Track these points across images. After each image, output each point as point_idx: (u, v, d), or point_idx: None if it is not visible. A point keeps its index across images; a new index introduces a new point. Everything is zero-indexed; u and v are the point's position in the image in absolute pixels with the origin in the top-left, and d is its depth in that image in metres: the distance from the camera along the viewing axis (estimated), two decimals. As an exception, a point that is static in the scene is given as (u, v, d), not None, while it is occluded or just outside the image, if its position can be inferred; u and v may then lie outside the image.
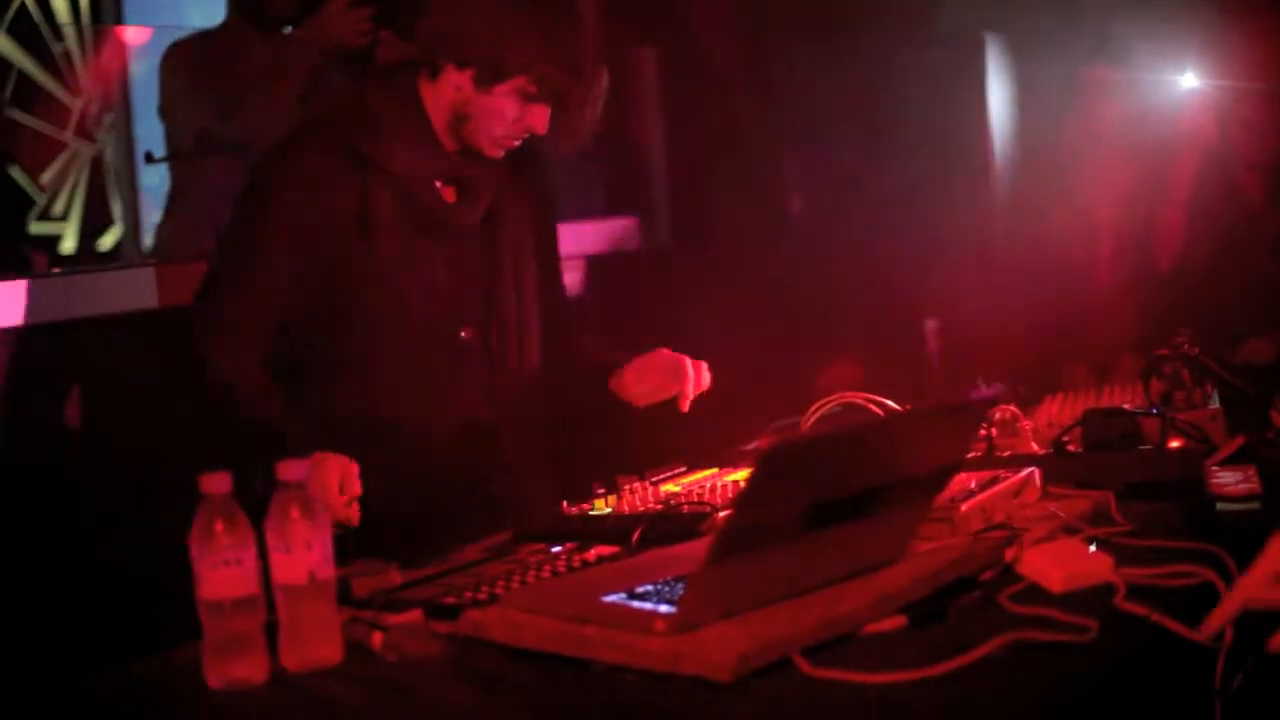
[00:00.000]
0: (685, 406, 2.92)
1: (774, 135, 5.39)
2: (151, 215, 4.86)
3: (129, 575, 3.59)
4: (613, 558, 2.34)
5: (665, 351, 2.95)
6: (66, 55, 4.58)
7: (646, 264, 5.61)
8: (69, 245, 4.55)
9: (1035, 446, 2.83)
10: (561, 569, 2.29)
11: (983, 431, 2.78)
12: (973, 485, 2.48)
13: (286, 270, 2.75)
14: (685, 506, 2.56)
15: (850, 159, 5.18)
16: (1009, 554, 2.19)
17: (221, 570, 1.93)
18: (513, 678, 1.91)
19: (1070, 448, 2.78)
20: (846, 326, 5.01)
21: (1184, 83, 4.69)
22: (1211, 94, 4.64)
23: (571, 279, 5.01)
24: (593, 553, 2.37)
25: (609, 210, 5.70)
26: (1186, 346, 2.97)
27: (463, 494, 2.87)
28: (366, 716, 1.85)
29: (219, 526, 1.93)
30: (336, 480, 2.55)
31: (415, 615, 2.10)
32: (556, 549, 2.41)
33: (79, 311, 3.92)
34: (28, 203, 4.44)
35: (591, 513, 2.63)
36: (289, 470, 1.99)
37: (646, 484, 2.76)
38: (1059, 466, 2.68)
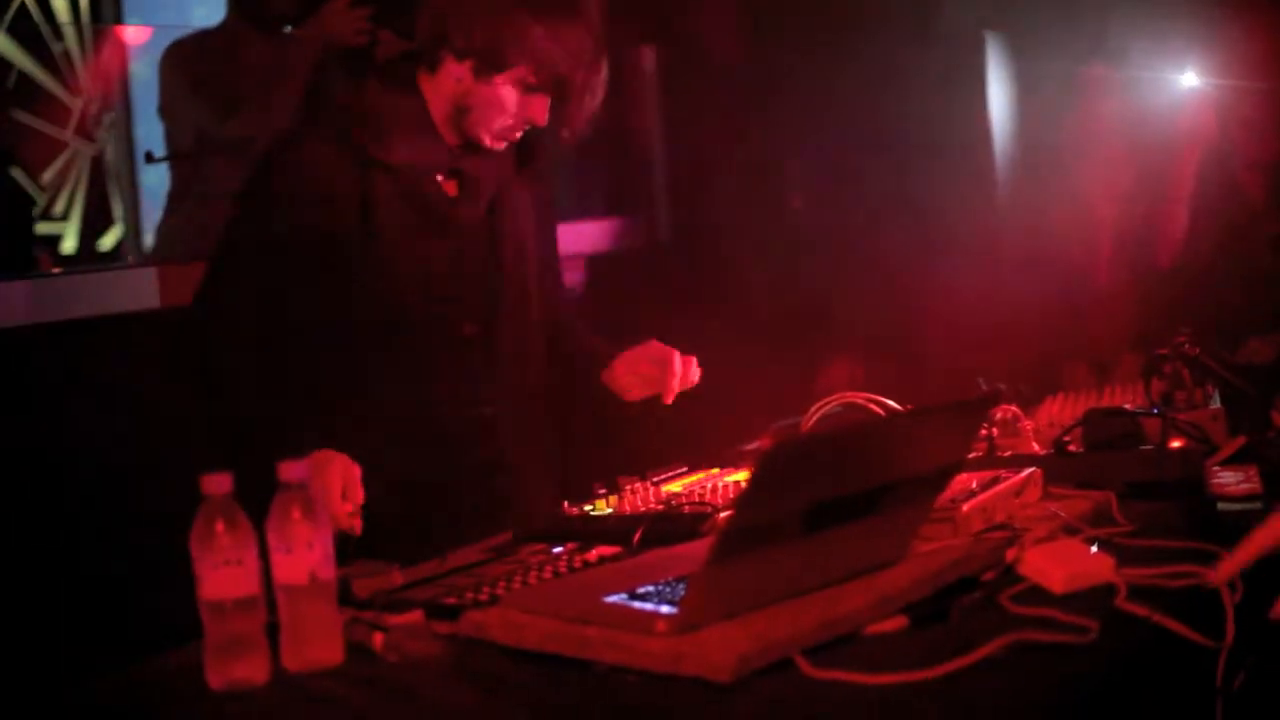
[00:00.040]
0: (669, 399, 2.92)
1: (774, 134, 5.39)
2: (152, 215, 4.85)
3: (129, 575, 3.59)
4: (614, 558, 2.33)
5: (655, 343, 2.95)
6: (66, 55, 4.58)
7: (647, 263, 5.61)
8: (69, 245, 4.55)
9: (1036, 446, 2.83)
10: (563, 569, 2.28)
11: (984, 431, 2.78)
12: (974, 485, 2.48)
13: (287, 267, 2.74)
14: (686, 507, 2.56)
15: (850, 158, 5.18)
16: (1010, 554, 2.19)
17: (222, 570, 1.93)
18: (514, 678, 1.91)
19: (1071, 448, 2.78)
20: (847, 326, 5.01)
21: (1184, 81, 4.69)
22: (1212, 92, 4.64)
23: (572, 278, 5.02)
24: (594, 553, 2.37)
25: (609, 209, 5.71)
26: (1187, 346, 2.97)
27: (465, 492, 2.87)
28: (367, 717, 1.85)
29: (220, 527, 1.93)
30: (339, 486, 2.54)
31: (416, 616, 2.10)
32: (558, 549, 2.41)
33: (80, 311, 3.92)
34: (31, 203, 4.44)
35: (592, 513, 2.62)
36: (290, 470, 1.99)
37: (648, 484, 2.76)
38: (1060, 466, 2.68)
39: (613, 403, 3.01)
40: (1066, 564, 2.14)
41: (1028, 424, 2.90)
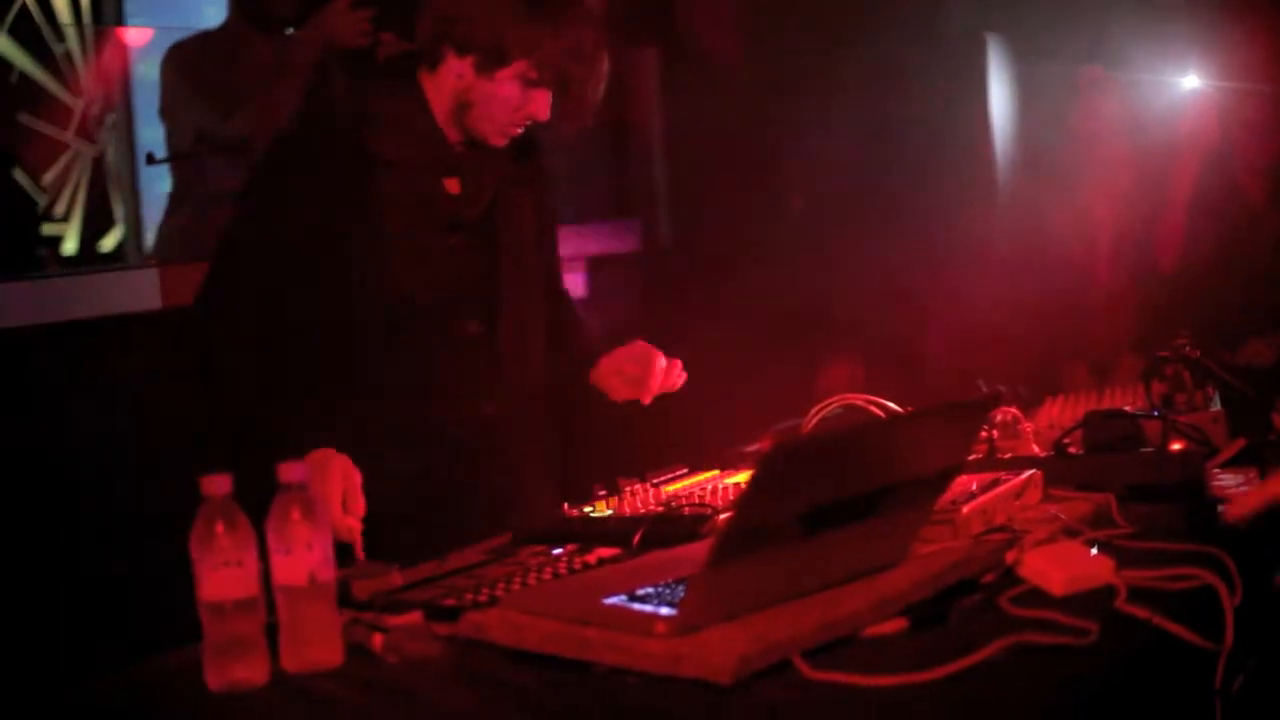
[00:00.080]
0: (646, 400, 2.92)
1: (775, 137, 5.39)
2: (152, 216, 4.85)
3: (129, 575, 3.59)
4: (614, 560, 2.33)
5: (640, 343, 2.95)
6: (68, 56, 4.57)
7: (647, 265, 5.61)
8: (70, 246, 4.55)
9: (1036, 448, 2.83)
10: (562, 571, 2.29)
11: (984, 433, 2.78)
12: (974, 487, 2.48)
13: (289, 267, 2.74)
14: (686, 508, 2.56)
15: (851, 159, 5.18)
16: (1010, 556, 2.19)
17: (222, 571, 1.93)
18: (513, 680, 1.91)
19: (1071, 450, 2.78)
20: (847, 327, 5.01)
21: (1185, 84, 4.70)
22: (1213, 95, 4.64)
23: (573, 280, 5.02)
24: (594, 554, 2.37)
25: (610, 212, 5.71)
26: (1188, 348, 2.97)
27: (466, 492, 2.87)
28: (367, 718, 1.85)
29: (219, 528, 1.93)
30: (339, 494, 2.53)
31: (416, 617, 2.09)
32: (557, 551, 2.41)
33: (82, 312, 3.92)
34: (36, 204, 4.44)
35: (592, 514, 2.62)
36: (290, 471, 1.99)
37: (647, 486, 2.76)
38: (1060, 469, 2.68)
39: (600, 403, 3.01)
40: (1066, 566, 2.14)
41: (1028, 426, 2.90)
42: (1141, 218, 4.74)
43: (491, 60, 2.74)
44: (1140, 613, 2.01)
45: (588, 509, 2.64)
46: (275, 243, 2.74)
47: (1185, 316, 3.71)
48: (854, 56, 5.18)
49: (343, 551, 2.26)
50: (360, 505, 2.55)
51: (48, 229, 4.60)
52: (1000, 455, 2.78)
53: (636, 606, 1.96)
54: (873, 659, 1.86)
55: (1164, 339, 3.06)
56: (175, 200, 4.75)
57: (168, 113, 4.71)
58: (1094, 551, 2.25)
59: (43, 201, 4.50)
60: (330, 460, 2.57)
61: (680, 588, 2.00)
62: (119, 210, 4.77)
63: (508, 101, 2.77)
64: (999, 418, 2.85)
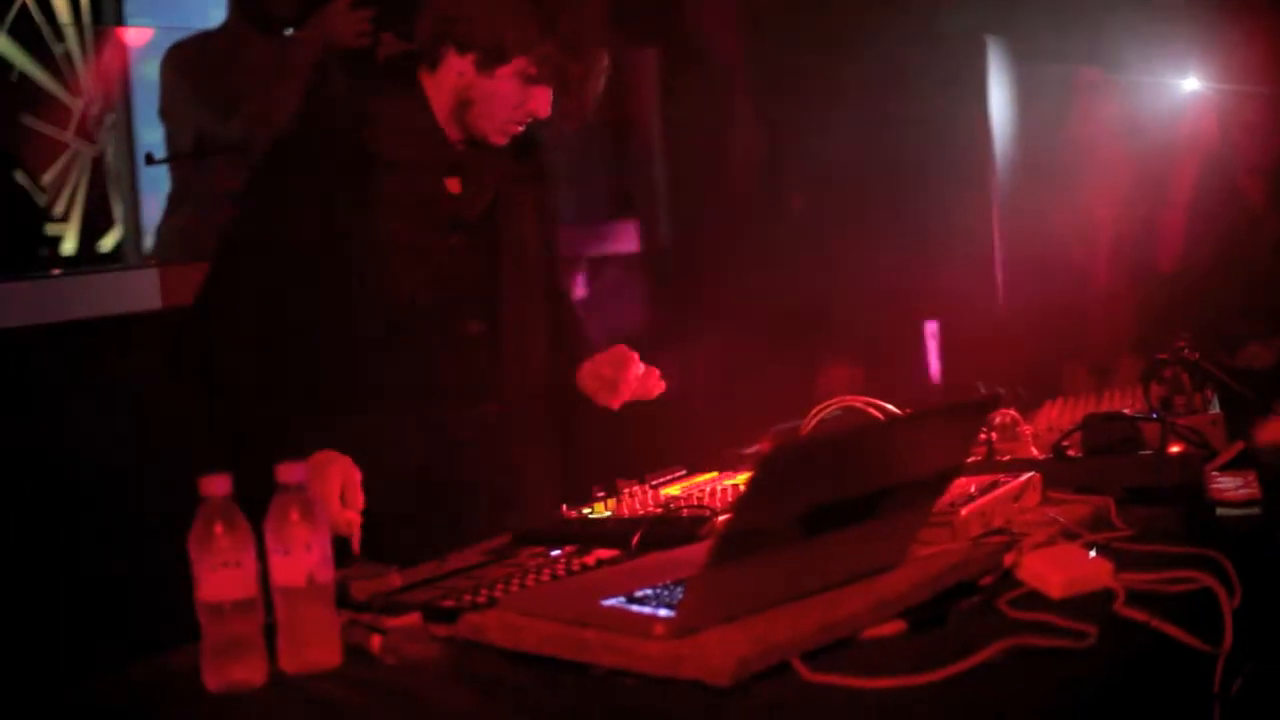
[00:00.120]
0: (615, 404, 2.91)
1: (775, 138, 5.40)
2: (152, 216, 4.85)
3: (129, 575, 3.59)
4: (612, 561, 2.33)
5: (620, 347, 2.95)
6: (67, 56, 4.57)
7: (647, 266, 5.61)
8: (69, 247, 4.55)
9: (1035, 451, 2.83)
10: (561, 572, 2.28)
11: (983, 436, 2.78)
12: (972, 490, 2.48)
13: (289, 267, 2.74)
14: (685, 510, 2.56)
15: (851, 160, 5.19)
16: (1008, 559, 2.19)
17: (221, 572, 1.93)
18: (512, 681, 1.91)
19: (1070, 452, 2.78)
20: (846, 329, 5.01)
21: (1185, 85, 4.70)
22: (1213, 97, 4.64)
23: (573, 280, 5.02)
24: (592, 556, 2.37)
25: (610, 213, 5.71)
26: (1187, 351, 2.96)
27: (468, 492, 2.87)
28: (365, 719, 1.85)
29: (218, 528, 1.93)
30: (338, 490, 2.53)
31: (414, 618, 2.10)
32: (556, 552, 2.41)
33: (82, 312, 3.92)
34: (38, 205, 4.44)
35: (591, 516, 2.62)
36: (288, 472, 1.99)
37: (646, 487, 2.76)
38: (1059, 471, 2.68)
39: (584, 406, 3.01)
40: (1065, 569, 2.14)
41: (1026, 428, 2.90)
42: (1141, 220, 4.74)
43: (491, 58, 2.75)
44: (1139, 615, 2.01)
45: (586, 510, 2.64)
46: (275, 243, 2.74)
47: (1184, 319, 3.71)
48: (853, 57, 5.18)
49: (341, 549, 2.26)
50: (359, 500, 2.56)
51: (48, 229, 4.60)
52: (999, 457, 2.78)
53: (635, 608, 1.96)
54: (871, 661, 1.86)
55: (1163, 341, 3.05)
56: (175, 200, 4.76)
57: (167, 113, 4.71)
58: (1093, 554, 2.25)
59: (42, 202, 4.50)
60: (330, 460, 2.57)
61: (679, 589, 2.00)
62: (118, 210, 4.77)
63: (508, 99, 2.78)
64: (998, 420, 2.85)
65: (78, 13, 4.60)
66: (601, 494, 2.70)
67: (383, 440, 2.76)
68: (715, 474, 2.89)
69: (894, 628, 1.97)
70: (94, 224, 4.63)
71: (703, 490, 2.72)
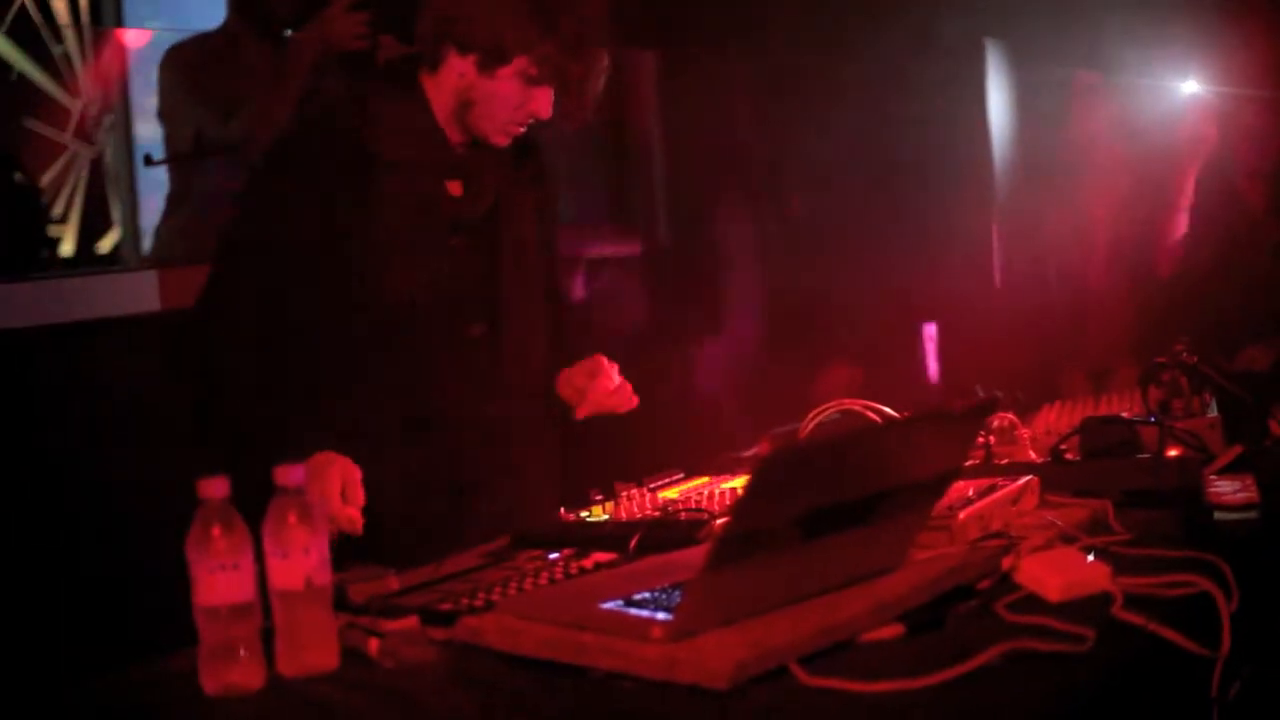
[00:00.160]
0: (579, 415, 2.91)
1: (775, 140, 5.40)
2: (151, 218, 4.85)
3: (129, 576, 3.60)
4: (610, 564, 2.33)
5: (597, 358, 2.94)
6: (66, 57, 4.57)
7: (646, 269, 5.61)
8: (68, 248, 4.54)
9: (1033, 454, 2.83)
10: (559, 575, 2.28)
11: (981, 439, 2.78)
12: (971, 493, 2.48)
13: (289, 269, 2.74)
14: (683, 513, 2.56)
15: (850, 164, 5.19)
16: (1006, 562, 2.19)
17: (219, 575, 1.93)
18: (509, 684, 1.91)
19: (1068, 456, 2.78)
20: (845, 332, 5.01)
21: (1185, 89, 4.70)
22: (1212, 100, 4.64)
23: (572, 283, 5.02)
24: (590, 559, 2.37)
25: (609, 215, 5.70)
26: (1185, 354, 2.97)
27: (469, 493, 2.87)
28: (363, 723, 1.86)
29: (216, 531, 1.93)
30: (338, 487, 2.54)
31: (412, 621, 2.10)
32: (554, 555, 2.41)
33: (82, 314, 3.92)
34: (40, 205, 4.44)
35: (589, 519, 2.62)
36: (287, 475, 1.98)
37: (644, 490, 2.76)
38: (1057, 474, 2.68)
39: (567, 413, 3.00)
40: (1063, 572, 2.14)
41: (1025, 432, 2.90)
42: (1140, 223, 4.74)
43: (493, 58, 2.75)
44: (1137, 619, 2.01)
45: (584, 513, 2.64)
46: (276, 244, 2.74)
47: (1183, 322, 3.71)
48: (853, 61, 5.18)
49: (339, 552, 2.26)
50: (360, 496, 2.56)
51: (46, 230, 4.60)
52: (997, 461, 2.78)
53: (633, 611, 1.96)
54: (869, 665, 1.86)
55: (1162, 345, 3.06)
56: (173, 202, 4.75)
57: (166, 114, 4.70)
58: (1090, 558, 2.25)
59: (40, 203, 4.50)
60: (330, 461, 2.57)
61: (677, 593, 2.00)
62: (117, 212, 4.77)
63: (509, 99, 2.78)
64: (996, 423, 2.85)
65: (77, 14, 4.60)
66: (599, 497, 2.70)
67: (383, 441, 2.76)
68: (713, 477, 2.89)
69: (892, 631, 1.97)
70: (92, 225, 4.62)
71: (701, 493, 2.72)
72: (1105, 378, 4.24)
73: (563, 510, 2.66)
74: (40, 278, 4.17)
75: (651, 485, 2.80)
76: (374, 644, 2.02)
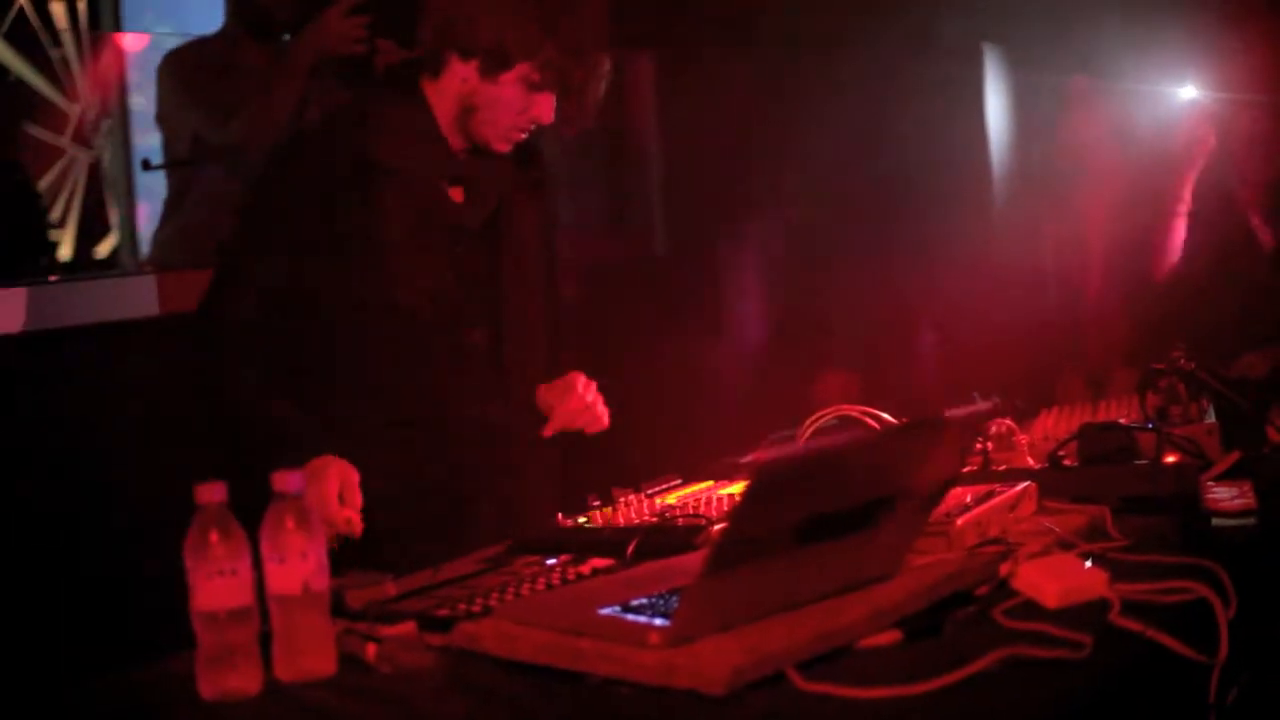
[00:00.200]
0: (547, 432, 2.91)
1: (772, 145, 5.39)
2: (149, 223, 4.85)
3: (129, 577, 3.59)
4: (608, 570, 2.33)
5: (573, 375, 2.94)
6: (64, 61, 4.57)
7: (642, 274, 5.61)
8: (66, 253, 4.54)
9: (1031, 461, 2.83)
10: (556, 581, 2.28)
11: (978, 445, 2.78)
12: (968, 499, 2.48)
13: (292, 275, 2.74)
14: (680, 519, 2.56)
15: (847, 169, 5.19)
16: (1004, 569, 2.19)
17: (216, 581, 1.93)
18: (506, 690, 1.91)
19: (1066, 462, 2.78)
20: (843, 337, 5.01)
21: (1183, 94, 4.70)
22: (1210, 106, 4.64)
23: (567, 289, 5.02)
24: (587, 565, 2.37)
25: (606, 219, 5.70)
26: (1183, 361, 2.97)
27: (469, 497, 2.87)
28: (360, 728, 1.86)
29: (214, 537, 1.93)
30: (336, 490, 2.55)
31: (409, 627, 2.10)
32: (551, 561, 2.41)
33: (80, 319, 3.92)
34: (42, 210, 4.44)
35: (587, 525, 2.62)
36: (284, 480, 1.98)
37: (642, 496, 2.76)
38: (1055, 481, 2.68)
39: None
40: (1060, 579, 2.14)
41: (1022, 438, 2.90)
42: (1137, 228, 4.74)
43: (495, 63, 2.75)
44: (1134, 625, 2.01)
45: (582, 519, 2.64)
46: (277, 250, 2.74)
47: (1180, 329, 3.71)
48: (850, 65, 5.18)
49: (336, 558, 2.25)
50: (358, 499, 2.57)
51: (44, 235, 4.60)
52: (995, 467, 2.78)
53: (630, 617, 1.96)
54: (867, 671, 1.86)
55: (1159, 351, 3.06)
56: (171, 206, 4.75)
57: (164, 119, 4.70)
58: (1088, 564, 2.25)
59: (38, 208, 4.50)
60: (327, 464, 2.58)
61: (674, 599, 2.00)
62: (115, 216, 4.76)
63: (512, 105, 2.78)
64: (994, 429, 2.85)
65: (75, 18, 4.60)
66: (597, 503, 2.69)
67: (384, 446, 2.76)
68: (711, 483, 2.89)
69: (889, 637, 1.97)
70: (91, 230, 4.62)
71: (698, 499, 2.72)
72: (1103, 384, 4.24)
73: (561, 515, 2.66)
74: (38, 282, 4.17)
75: (649, 491, 2.80)
76: (371, 649, 2.02)
